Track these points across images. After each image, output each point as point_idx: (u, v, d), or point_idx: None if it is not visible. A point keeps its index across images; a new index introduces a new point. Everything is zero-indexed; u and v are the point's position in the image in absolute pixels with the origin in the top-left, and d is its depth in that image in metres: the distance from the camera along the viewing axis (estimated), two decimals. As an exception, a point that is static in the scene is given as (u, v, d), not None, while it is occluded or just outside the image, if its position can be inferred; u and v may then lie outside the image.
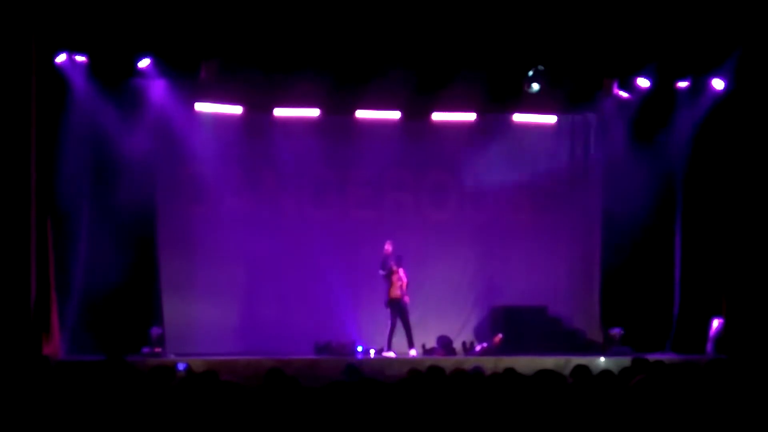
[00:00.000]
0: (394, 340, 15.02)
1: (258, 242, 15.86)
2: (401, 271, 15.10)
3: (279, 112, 16.12)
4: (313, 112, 16.11)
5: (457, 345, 15.64)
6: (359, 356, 14.51)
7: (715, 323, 15.15)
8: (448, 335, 15.52)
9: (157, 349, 13.78)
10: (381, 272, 15.13)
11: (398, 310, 15.02)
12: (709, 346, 15.09)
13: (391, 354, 14.75)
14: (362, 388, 6.78)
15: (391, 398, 6.70)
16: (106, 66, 13.92)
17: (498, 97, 15.86)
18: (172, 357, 13.26)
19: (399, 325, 15.11)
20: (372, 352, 14.87)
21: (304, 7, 13.48)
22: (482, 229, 16.70)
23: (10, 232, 12.47)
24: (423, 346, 15.43)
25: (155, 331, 13.99)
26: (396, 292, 15.02)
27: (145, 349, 13.73)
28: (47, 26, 12.94)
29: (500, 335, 15.24)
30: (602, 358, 13.61)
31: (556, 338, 15.78)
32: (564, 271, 16.91)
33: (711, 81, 15.20)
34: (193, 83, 14.71)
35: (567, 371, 8.28)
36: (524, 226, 16.73)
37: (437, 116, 16.65)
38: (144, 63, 14.01)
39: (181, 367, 9.69)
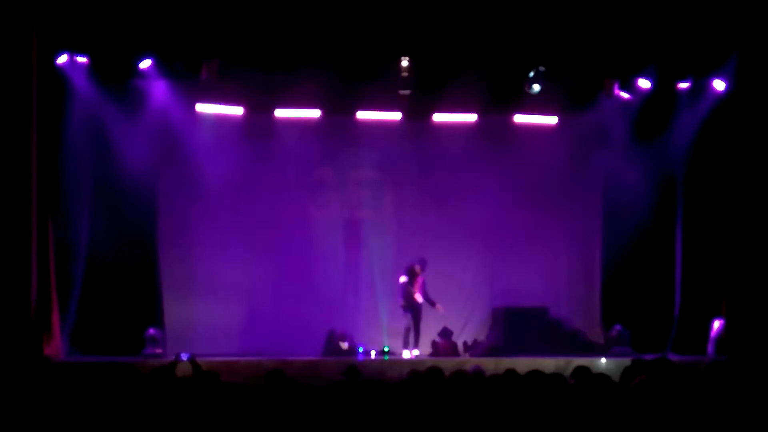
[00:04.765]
0: (392, 342, 15.13)
1: (258, 243, 15.89)
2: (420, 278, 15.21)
3: (280, 112, 16.13)
4: (314, 113, 16.12)
5: (459, 346, 15.64)
6: (360, 357, 14.53)
7: (716, 324, 15.13)
8: (449, 327, 15.52)
9: (158, 350, 13.78)
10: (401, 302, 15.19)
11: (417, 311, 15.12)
12: (710, 347, 15.07)
13: (416, 352, 14.85)
14: (363, 389, 6.79)
15: (392, 399, 6.70)
16: (107, 67, 13.92)
17: (499, 98, 15.87)
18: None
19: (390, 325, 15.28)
20: (373, 353, 14.90)
21: (304, 7, 13.49)
22: (483, 229, 16.70)
23: (10, 232, 12.47)
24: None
25: (149, 332, 13.96)
26: (417, 295, 15.10)
27: (146, 350, 13.73)
28: (48, 27, 12.94)
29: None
30: (603, 359, 13.60)
31: (557, 339, 15.78)
32: (565, 272, 16.92)
33: (712, 82, 15.20)
34: (194, 84, 14.72)
35: (568, 372, 8.29)
36: (525, 227, 16.71)
37: (438, 117, 16.66)
38: (145, 64, 14.02)
39: (184, 356, 9.71)
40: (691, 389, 7.22)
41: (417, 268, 15.16)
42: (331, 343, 14.77)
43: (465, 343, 15.74)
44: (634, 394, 7.05)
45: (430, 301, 15.16)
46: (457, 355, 15.34)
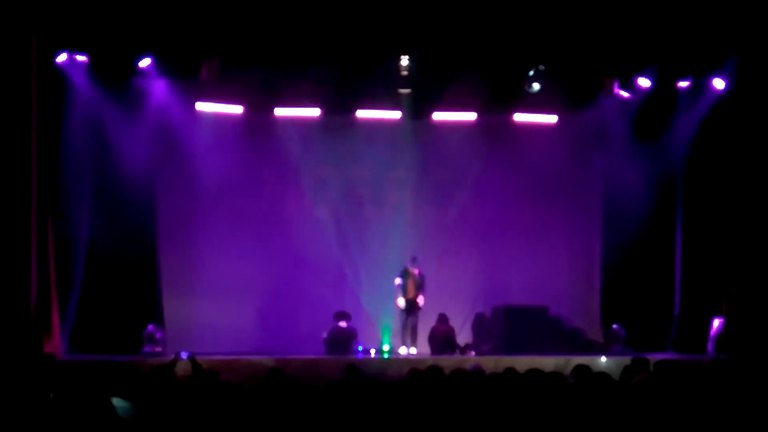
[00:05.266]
0: (392, 340, 15.16)
1: (258, 242, 15.89)
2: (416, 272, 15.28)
3: (280, 111, 16.13)
4: (314, 112, 16.12)
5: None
6: (360, 356, 14.53)
7: (716, 323, 15.13)
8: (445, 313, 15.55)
9: (158, 349, 13.79)
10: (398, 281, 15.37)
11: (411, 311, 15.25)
12: (710, 346, 15.08)
13: (413, 350, 14.94)
14: (363, 388, 6.79)
15: (392, 398, 6.71)
16: (106, 65, 13.91)
17: (499, 97, 15.87)
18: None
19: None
20: (372, 351, 14.90)
21: (304, 6, 13.48)
22: (483, 228, 16.72)
23: (10, 231, 12.45)
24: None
25: (148, 330, 13.97)
26: (400, 299, 15.23)
27: (146, 349, 13.74)
28: (48, 26, 12.91)
29: (473, 353, 15.22)
30: (603, 358, 13.60)
31: (557, 338, 15.77)
32: (565, 271, 16.91)
33: (712, 81, 15.19)
34: (194, 83, 14.72)
35: (567, 371, 8.29)
36: (525, 226, 16.72)
37: (438, 116, 16.66)
38: (145, 63, 14.01)
39: (183, 355, 9.73)
40: (690, 388, 7.23)
41: (409, 267, 15.23)
42: (332, 329, 14.80)
43: (458, 346, 15.62)
44: (634, 393, 7.05)
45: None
46: (455, 340, 15.31)
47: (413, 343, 15.15)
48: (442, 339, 15.25)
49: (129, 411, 6.49)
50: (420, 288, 15.29)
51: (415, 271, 15.34)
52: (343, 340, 14.70)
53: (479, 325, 16.05)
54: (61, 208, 13.68)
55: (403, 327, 15.26)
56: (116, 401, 6.43)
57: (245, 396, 6.92)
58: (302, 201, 16.31)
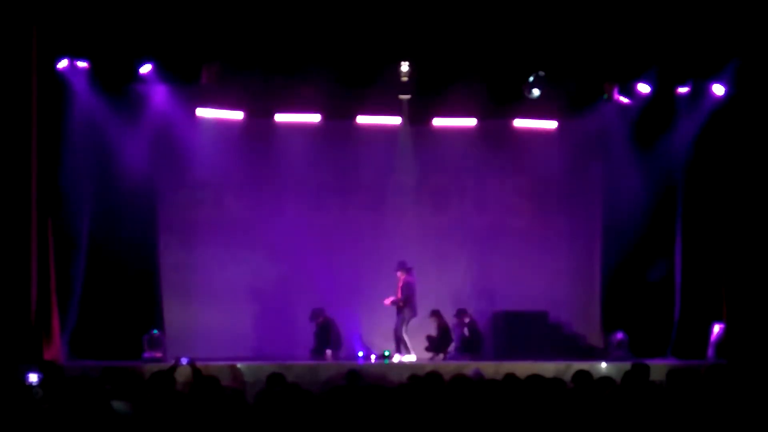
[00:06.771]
0: (392, 345, 15.08)
1: (259, 247, 15.90)
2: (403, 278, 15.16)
3: (280, 117, 16.15)
4: (314, 118, 16.14)
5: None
6: (360, 361, 14.51)
7: (716, 328, 15.14)
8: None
9: (158, 355, 13.79)
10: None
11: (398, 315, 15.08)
12: (710, 352, 15.08)
13: (413, 357, 14.76)
14: (363, 394, 6.79)
15: (392, 403, 6.71)
16: (107, 72, 13.93)
17: (499, 103, 15.88)
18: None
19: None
20: (373, 357, 14.89)
21: (304, 12, 13.51)
22: (483, 234, 16.71)
23: (11, 235, 12.48)
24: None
25: (147, 336, 13.97)
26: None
27: (146, 354, 13.75)
28: (49, 31, 12.95)
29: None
30: (603, 364, 13.59)
31: (557, 343, 15.78)
32: (564, 277, 16.90)
33: (711, 86, 15.20)
34: (195, 89, 14.74)
35: (568, 377, 8.30)
36: (525, 232, 16.73)
37: (438, 122, 16.68)
38: (145, 69, 14.03)
39: (184, 361, 9.74)
40: (691, 393, 7.23)
41: (398, 274, 15.11)
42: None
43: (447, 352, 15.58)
44: (633, 399, 7.05)
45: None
46: (450, 333, 15.27)
47: (405, 349, 14.92)
48: (439, 333, 15.20)
49: (129, 413, 6.51)
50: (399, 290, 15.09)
51: (401, 281, 15.11)
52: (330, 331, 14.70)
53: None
54: (61, 214, 13.68)
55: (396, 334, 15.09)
56: (116, 404, 6.45)
57: (245, 401, 6.93)
58: (302, 206, 16.32)
